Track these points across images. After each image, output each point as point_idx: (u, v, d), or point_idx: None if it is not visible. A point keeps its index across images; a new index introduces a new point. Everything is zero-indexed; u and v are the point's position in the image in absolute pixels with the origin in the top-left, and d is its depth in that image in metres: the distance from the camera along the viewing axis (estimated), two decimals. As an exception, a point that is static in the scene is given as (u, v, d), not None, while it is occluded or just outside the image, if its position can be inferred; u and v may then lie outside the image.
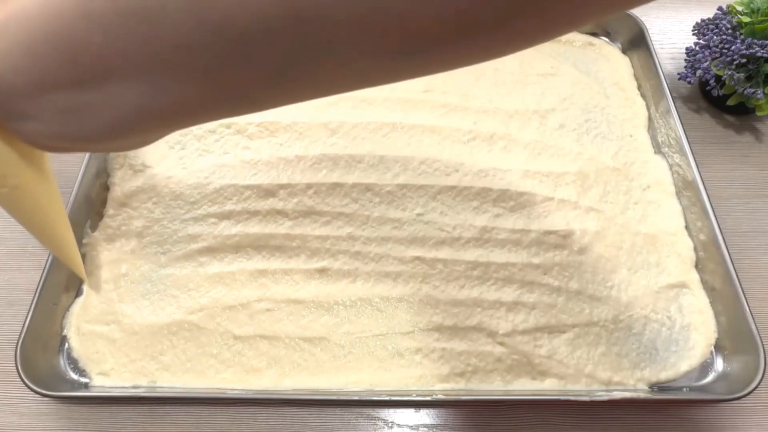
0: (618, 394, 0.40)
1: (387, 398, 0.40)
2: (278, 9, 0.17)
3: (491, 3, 0.16)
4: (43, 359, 0.42)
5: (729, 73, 0.51)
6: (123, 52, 0.19)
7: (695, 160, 0.48)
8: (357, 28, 0.17)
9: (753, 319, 0.41)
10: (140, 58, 0.19)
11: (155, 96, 0.21)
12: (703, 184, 0.47)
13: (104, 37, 0.19)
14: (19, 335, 0.40)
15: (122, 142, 0.25)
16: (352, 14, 0.16)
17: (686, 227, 0.48)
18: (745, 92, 0.51)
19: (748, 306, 0.41)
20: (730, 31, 0.53)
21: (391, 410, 0.42)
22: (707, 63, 0.54)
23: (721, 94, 0.54)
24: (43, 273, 0.43)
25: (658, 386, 0.42)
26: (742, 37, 0.51)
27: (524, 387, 0.41)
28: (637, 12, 0.60)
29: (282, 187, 0.48)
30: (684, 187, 0.49)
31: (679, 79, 0.57)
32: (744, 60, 0.51)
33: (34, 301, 0.42)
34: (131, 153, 0.51)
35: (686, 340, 0.43)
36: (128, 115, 0.22)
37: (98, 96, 0.21)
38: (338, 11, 0.16)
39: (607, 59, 0.60)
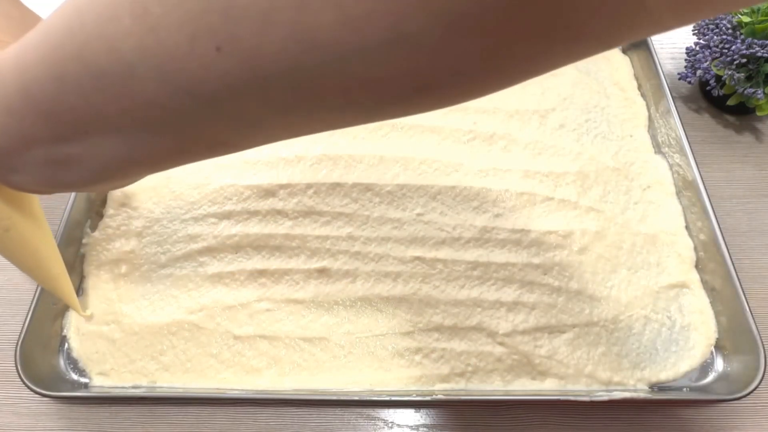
0: (618, 394, 0.40)
1: (387, 398, 0.40)
2: (242, 72, 0.17)
3: (446, 65, 0.16)
4: (43, 359, 0.42)
5: (729, 73, 0.51)
6: (97, 110, 0.20)
7: (695, 160, 0.48)
8: (321, 89, 0.18)
9: (753, 319, 0.41)
10: (114, 115, 0.20)
11: (133, 147, 0.22)
12: (703, 184, 0.47)
13: (78, 97, 0.20)
14: (19, 335, 0.40)
15: (107, 185, 0.26)
16: (315, 76, 0.17)
17: (686, 227, 0.48)
18: (745, 92, 0.51)
19: (748, 306, 0.41)
20: (730, 30, 0.53)
21: (391, 410, 0.42)
22: (707, 63, 0.54)
23: (721, 94, 0.54)
24: (43, 273, 0.43)
25: (658, 386, 0.42)
26: (743, 36, 0.51)
27: (524, 387, 0.41)
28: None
29: (282, 187, 0.48)
30: (684, 187, 0.49)
31: (679, 79, 0.56)
32: (744, 60, 0.51)
33: (34, 301, 0.42)
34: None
35: (686, 340, 0.43)
36: (110, 164, 0.23)
37: (79, 149, 0.22)
38: (301, 75, 0.17)
39: (607, 59, 0.60)
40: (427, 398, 0.40)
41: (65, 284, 0.40)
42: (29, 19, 0.29)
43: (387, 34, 0.15)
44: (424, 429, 0.41)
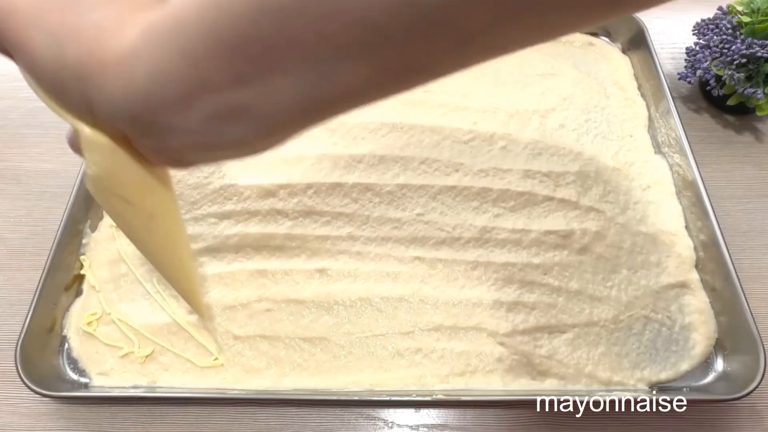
0: (618, 394, 0.40)
1: (387, 398, 0.40)
2: None
3: None
4: (43, 359, 0.42)
5: (729, 73, 0.51)
6: (293, 38, 0.18)
7: (695, 160, 0.48)
8: None
9: (753, 319, 0.41)
10: (310, 42, 0.18)
11: (318, 83, 0.19)
12: (703, 184, 0.47)
13: (275, 24, 0.18)
14: (19, 335, 0.40)
15: (265, 142, 0.23)
16: None
17: (686, 227, 0.48)
18: (745, 92, 0.51)
19: (748, 306, 0.41)
20: (730, 30, 0.53)
21: (391, 410, 0.42)
22: (707, 63, 0.54)
23: (721, 94, 0.54)
24: (43, 273, 0.43)
25: (658, 386, 0.42)
26: (742, 37, 0.51)
27: (524, 387, 0.41)
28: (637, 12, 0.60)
29: (282, 187, 0.48)
30: (684, 187, 0.49)
31: (679, 79, 0.56)
32: (744, 60, 0.51)
33: (34, 301, 0.42)
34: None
35: (686, 340, 0.43)
36: (285, 109, 0.20)
37: (255, 93, 0.20)
38: None
39: (607, 59, 0.60)
40: (427, 398, 0.40)
41: (196, 280, 0.33)
42: None
43: None
44: (424, 429, 0.41)
